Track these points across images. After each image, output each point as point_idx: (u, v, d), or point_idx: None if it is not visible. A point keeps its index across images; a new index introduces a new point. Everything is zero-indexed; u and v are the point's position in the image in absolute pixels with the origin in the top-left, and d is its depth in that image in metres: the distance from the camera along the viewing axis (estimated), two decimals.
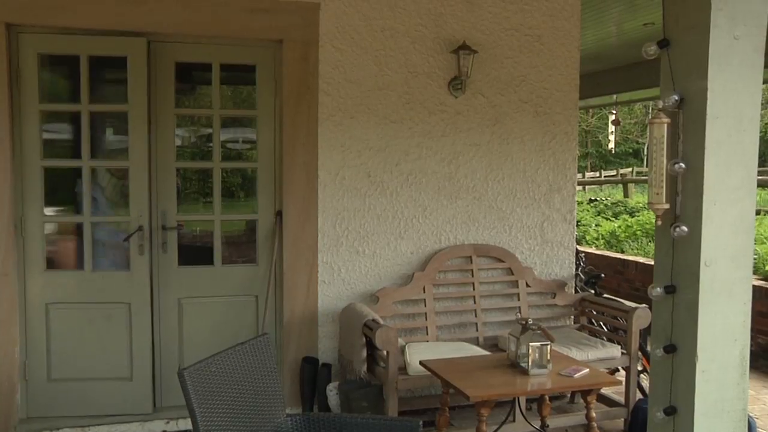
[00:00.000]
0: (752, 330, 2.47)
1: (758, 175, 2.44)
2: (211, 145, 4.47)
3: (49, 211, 4.17)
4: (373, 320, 4.00)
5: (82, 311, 4.18)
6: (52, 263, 4.21)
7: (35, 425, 4.09)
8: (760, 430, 4.29)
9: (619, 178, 20.04)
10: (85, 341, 4.19)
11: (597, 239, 9.53)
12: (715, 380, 2.35)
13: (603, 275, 5.44)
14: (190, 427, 2.54)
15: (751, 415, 3.78)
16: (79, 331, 4.18)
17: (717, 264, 2.33)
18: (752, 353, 2.47)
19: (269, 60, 4.36)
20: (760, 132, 2.42)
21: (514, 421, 3.97)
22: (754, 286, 2.95)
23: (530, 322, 3.51)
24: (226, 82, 4.63)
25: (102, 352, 4.20)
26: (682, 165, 2.33)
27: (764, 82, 2.47)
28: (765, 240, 7.75)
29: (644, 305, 4.30)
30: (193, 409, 2.41)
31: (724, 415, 2.38)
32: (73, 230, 4.38)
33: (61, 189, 4.40)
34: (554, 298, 4.81)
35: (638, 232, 9.03)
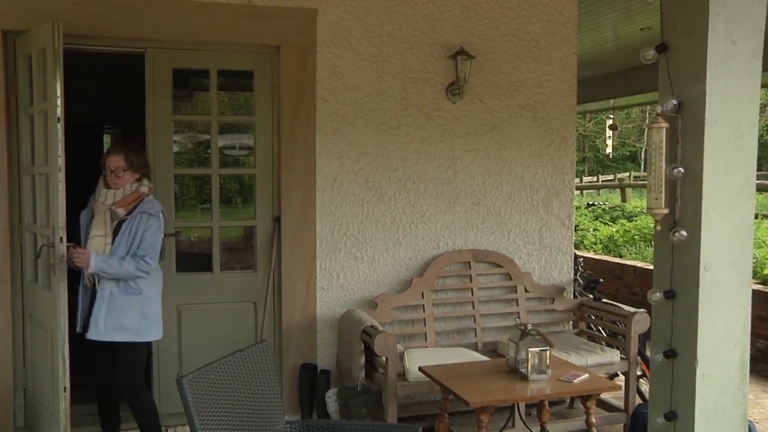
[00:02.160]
0: (752, 334, 2.47)
1: (756, 180, 2.44)
2: (209, 151, 4.46)
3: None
4: (372, 326, 4.00)
5: (41, 329, 3.89)
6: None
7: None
8: None
9: (617, 182, 20.04)
10: (45, 360, 3.83)
11: (595, 244, 9.54)
12: (715, 385, 2.34)
13: (601, 280, 5.45)
14: None
15: (751, 419, 3.78)
16: (42, 348, 3.88)
17: (717, 269, 2.33)
18: (751, 357, 2.45)
19: (267, 66, 4.36)
20: (759, 136, 2.42)
21: (513, 426, 3.96)
22: (753, 291, 2.93)
23: (529, 327, 3.51)
24: (223, 89, 4.64)
25: (49, 377, 3.78)
26: (681, 170, 2.32)
27: (762, 87, 2.47)
28: (763, 244, 7.76)
29: (643, 310, 4.30)
30: (192, 417, 2.40)
31: (724, 420, 2.37)
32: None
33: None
34: (553, 303, 4.80)
35: (636, 237, 9.04)
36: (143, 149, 3.91)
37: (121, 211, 3.63)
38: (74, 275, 3.63)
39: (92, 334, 3.56)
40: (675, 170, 2.32)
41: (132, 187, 3.65)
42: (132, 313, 3.58)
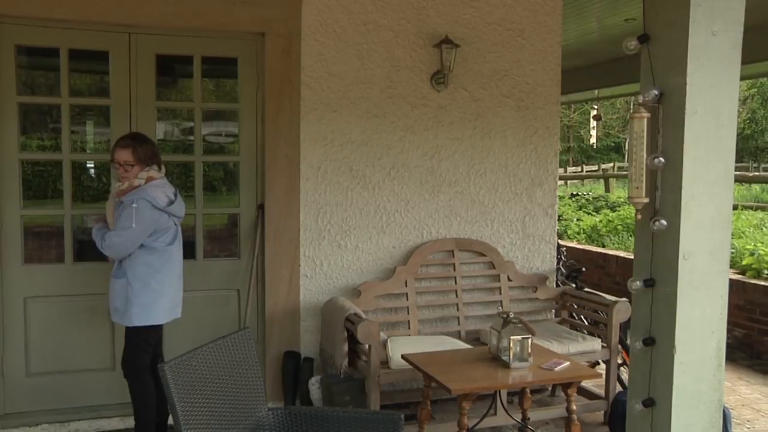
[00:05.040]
0: (729, 323, 2.50)
1: (735, 171, 2.47)
2: (192, 138, 4.44)
3: (28, 204, 4.13)
4: (355, 314, 4.01)
5: (63, 304, 4.14)
6: (30, 257, 4.16)
7: (13, 421, 4.05)
8: (734, 420, 4.36)
9: (601, 173, 20.18)
10: (67, 333, 4.15)
11: (578, 233, 9.61)
12: (692, 372, 2.38)
13: (584, 269, 5.49)
14: (171, 421, 2.53)
15: (726, 406, 3.84)
16: (58, 323, 4.15)
17: (695, 258, 2.35)
18: (729, 346, 2.49)
19: (251, 53, 4.34)
20: (738, 128, 2.44)
21: (495, 414, 4.00)
22: (731, 280, 2.99)
23: (511, 315, 3.53)
24: (207, 75, 4.61)
25: (85, 344, 4.17)
26: (662, 159, 2.34)
27: (742, 79, 2.49)
28: (742, 234, 7.86)
29: (624, 299, 4.34)
30: (174, 404, 2.40)
31: (700, 406, 2.41)
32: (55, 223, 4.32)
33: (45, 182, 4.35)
34: (535, 291, 4.84)
35: (619, 227, 9.12)
36: (148, 137, 3.74)
37: (118, 202, 3.63)
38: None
39: (113, 318, 3.70)
40: (656, 160, 2.34)
41: (129, 183, 3.56)
42: (119, 295, 3.58)
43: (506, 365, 3.44)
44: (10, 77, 3.96)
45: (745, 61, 2.39)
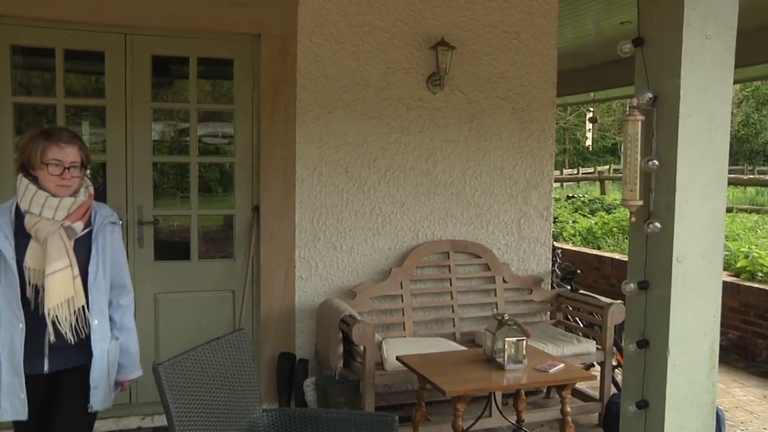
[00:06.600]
0: (723, 325, 2.52)
1: (729, 173, 2.48)
2: (188, 139, 4.43)
3: None
4: (350, 315, 4.01)
5: None
6: None
7: (6, 422, 4.03)
8: (728, 422, 4.37)
9: (597, 175, 20.22)
10: None
11: (574, 236, 9.62)
12: (685, 374, 2.39)
13: (579, 271, 5.50)
14: (165, 423, 2.52)
15: (720, 407, 3.85)
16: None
17: (689, 260, 2.36)
18: (723, 348, 2.50)
19: (247, 54, 4.34)
20: (732, 131, 2.45)
21: (490, 416, 4.00)
22: (725, 282, 3.00)
23: (506, 317, 3.54)
24: (203, 76, 4.60)
25: None
26: (656, 162, 2.35)
27: (735, 82, 2.50)
28: (737, 237, 7.88)
29: (619, 301, 4.35)
30: (168, 405, 2.39)
31: (693, 408, 2.41)
32: None
33: None
34: (531, 294, 4.84)
35: (614, 229, 9.14)
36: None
37: (78, 226, 2.56)
38: None
39: (102, 404, 2.68)
40: (650, 162, 2.35)
41: (85, 192, 2.61)
42: (115, 359, 2.78)
43: (501, 367, 3.44)
44: (5, 77, 3.95)
45: (738, 65, 2.40)
